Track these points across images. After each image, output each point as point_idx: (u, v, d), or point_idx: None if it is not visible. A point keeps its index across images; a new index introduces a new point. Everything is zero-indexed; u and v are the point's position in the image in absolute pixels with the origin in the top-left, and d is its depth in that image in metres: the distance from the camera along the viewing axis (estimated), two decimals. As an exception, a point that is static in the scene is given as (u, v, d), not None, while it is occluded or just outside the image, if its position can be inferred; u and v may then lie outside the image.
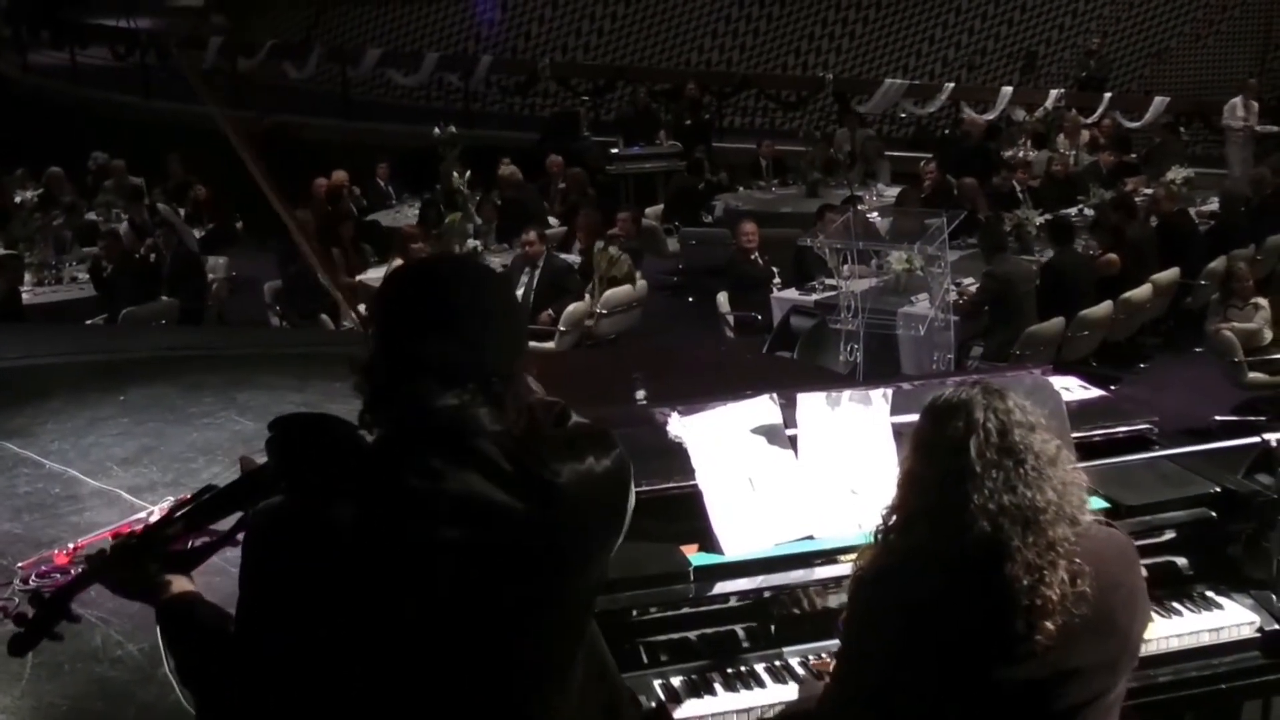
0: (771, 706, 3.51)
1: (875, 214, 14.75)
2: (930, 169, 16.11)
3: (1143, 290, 11.87)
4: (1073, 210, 14.98)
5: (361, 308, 9.98)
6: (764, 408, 3.98)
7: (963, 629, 2.90)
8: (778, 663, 3.66)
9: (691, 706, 3.49)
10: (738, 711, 3.50)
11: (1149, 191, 14.93)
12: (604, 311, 12.09)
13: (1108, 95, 21.80)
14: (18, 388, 7.48)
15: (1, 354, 8.38)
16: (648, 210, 16.72)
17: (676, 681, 3.57)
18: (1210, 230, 14.13)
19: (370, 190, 17.30)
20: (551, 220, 15.55)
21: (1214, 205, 15.30)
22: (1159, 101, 21.26)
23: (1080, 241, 12.85)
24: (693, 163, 18.02)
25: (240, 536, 2.53)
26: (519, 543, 2.41)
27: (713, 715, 3.48)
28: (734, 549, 3.77)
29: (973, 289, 11.39)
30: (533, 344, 10.74)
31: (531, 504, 2.41)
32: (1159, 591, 3.83)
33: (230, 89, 23.98)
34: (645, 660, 3.61)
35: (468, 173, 14.08)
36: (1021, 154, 18.47)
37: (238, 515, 2.68)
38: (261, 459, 2.64)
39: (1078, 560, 2.89)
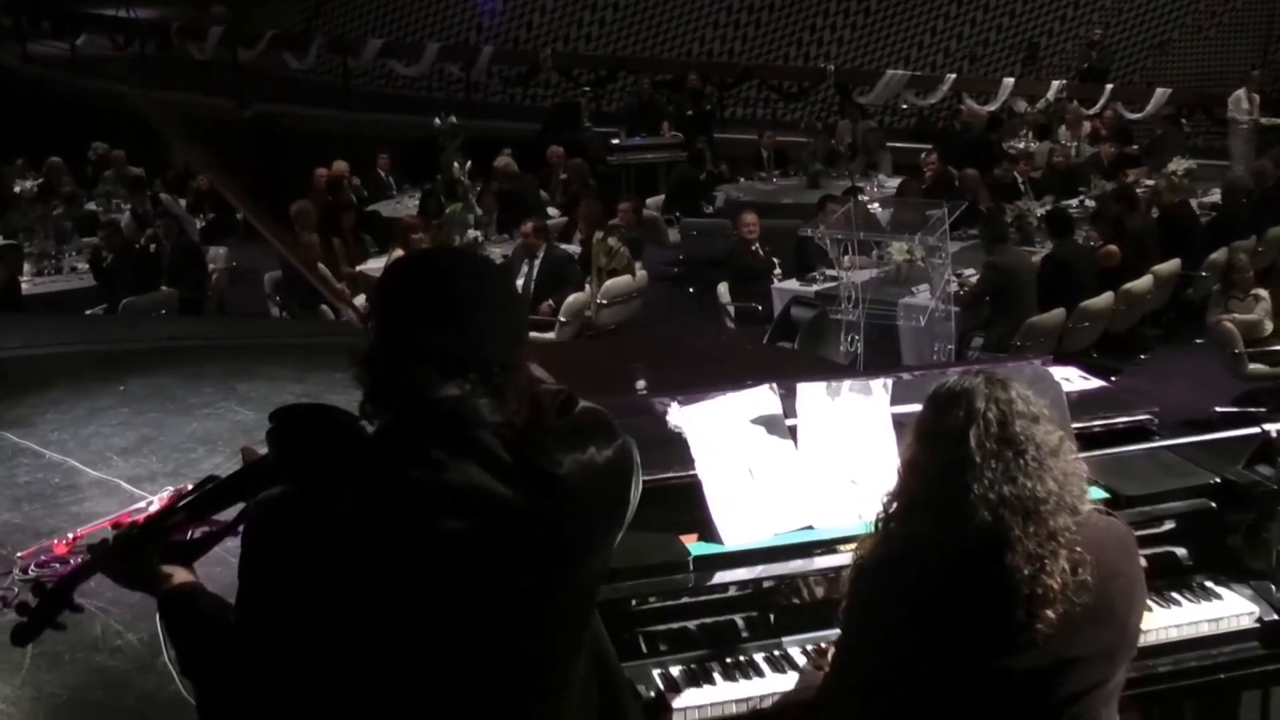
0: (770, 696, 3.51)
1: (876, 205, 14.67)
2: (931, 160, 16.11)
3: (1143, 281, 11.86)
4: (1074, 202, 14.98)
5: (360, 299, 9.99)
6: (764, 398, 3.98)
7: (964, 618, 2.90)
8: (777, 652, 3.66)
9: (691, 696, 3.48)
10: (736, 701, 3.50)
11: (1150, 183, 14.92)
12: (604, 302, 12.08)
13: (1109, 87, 21.80)
14: (17, 378, 7.49)
15: (1, 344, 8.38)
16: (649, 201, 16.72)
17: (676, 671, 3.57)
18: (1211, 222, 14.11)
19: (371, 181, 17.27)
20: (552, 211, 15.55)
21: (1215, 197, 15.29)
22: (1161, 93, 21.24)
23: (1081, 233, 12.85)
24: (694, 153, 17.99)
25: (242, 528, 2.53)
26: (520, 534, 2.40)
27: (712, 705, 3.48)
28: (733, 539, 3.77)
29: (973, 280, 11.39)
30: (533, 334, 10.74)
31: (532, 495, 2.40)
32: (1159, 582, 3.84)
33: (231, 80, 24.01)
34: (644, 650, 3.61)
35: (468, 163, 14.07)
36: (1023, 145, 18.46)
37: (240, 506, 2.68)
38: (263, 450, 2.64)
39: (1079, 549, 2.89)
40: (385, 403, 2.47)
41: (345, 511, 2.35)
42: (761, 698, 3.51)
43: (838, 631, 3.50)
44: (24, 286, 12.61)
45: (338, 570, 2.34)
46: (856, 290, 10.32)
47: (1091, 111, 20.05)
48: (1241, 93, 19.02)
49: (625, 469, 2.62)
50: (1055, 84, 21.86)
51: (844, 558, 3.66)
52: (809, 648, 3.67)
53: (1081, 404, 4.32)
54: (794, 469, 3.92)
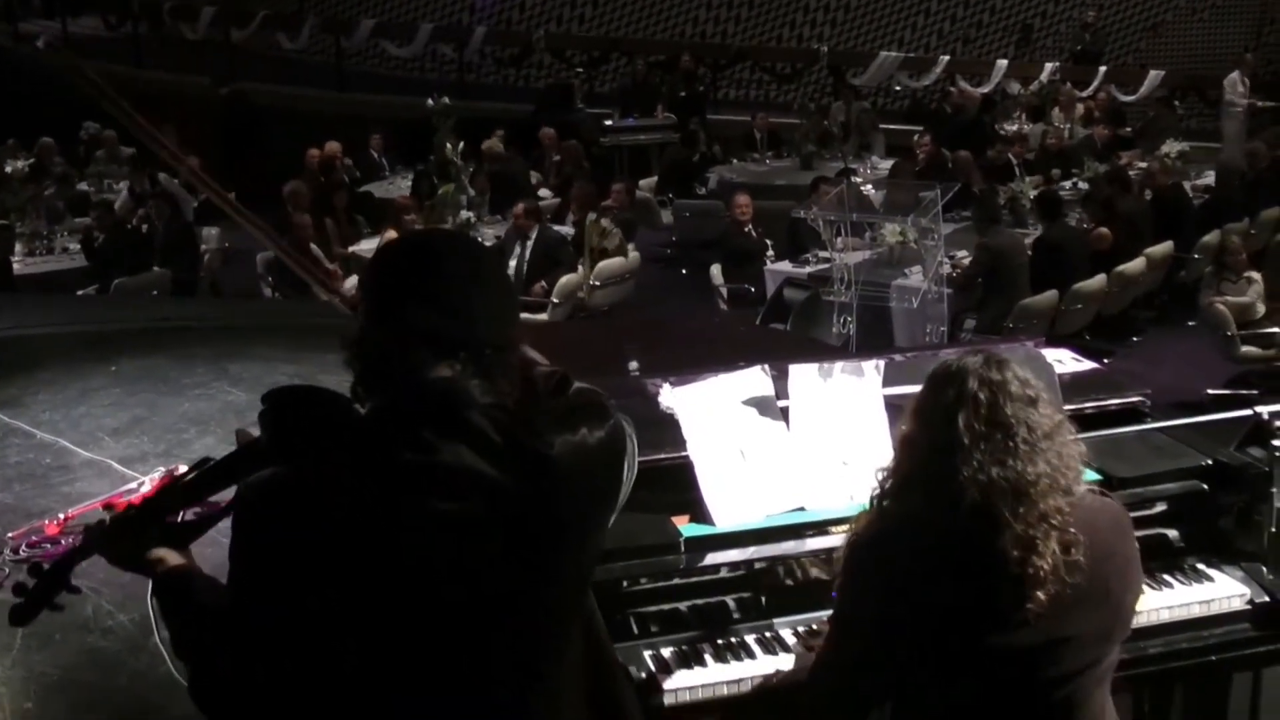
0: (762, 678, 3.51)
1: (869, 186, 14.72)
2: (925, 142, 16.09)
3: (1136, 264, 11.87)
4: (1066, 184, 14.97)
5: (351, 281, 9.96)
6: (756, 379, 3.98)
7: (956, 596, 2.90)
8: (768, 634, 3.66)
9: (682, 677, 3.49)
10: (728, 682, 3.51)
11: (1143, 165, 14.94)
12: (597, 283, 12.08)
13: (1103, 69, 21.77)
14: (8, 358, 7.47)
15: (-7, 325, 8.38)
16: (641, 182, 16.72)
17: (667, 652, 3.57)
18: (1204, 204, 14.13)
19: (363, 162, 17.25)
20: (545, 192, 15.53)
21: (1209, 179, 15.29)
22: (1154, 75, 21.22)
23: (1074, 215, 12.86)
24: (687, 135, 17.98)
25: None
26: (511, 515, 2.40)
27: (703, 686, 3.49)
28: (725, 520, 3.77)
29: (966, 262, 11.39)
30: (526, 316, 10.75)
31: (523, 476, 2.40)
32: (1150, 564, 3.83)
33: (224, 60, 23.92)
34: (636, 631, 3.62)
35: (461, 144, 14.04)
36: (1016, 127, 18.45)
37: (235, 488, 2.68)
38: (257, 432, 2.63)
39: (1071, 530, 2.89)
40: (376, 384, 2.47)
41: (336, 493, 2.35)
42: (753, 679, 3.51)
43: (829, 613, 3.51)
44: (16, 267, 12.57)
45: (328, 552, 2.34)
46: (849, 272, 10.32)
47: (1085, 94, 20.02)
48: (1236, 75, 18.99)
49: (618, 450, 2.62)
50: (1048, 66, 21.83)
51: (835, 539, 3.67)
52: (800, 629, 3.68)
53: (1074, 386, 4.32)
54: (786, 450, 3.92)
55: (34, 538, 5.06)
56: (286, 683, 2.40)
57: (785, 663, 3.53)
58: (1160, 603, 3.82)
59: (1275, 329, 10.36)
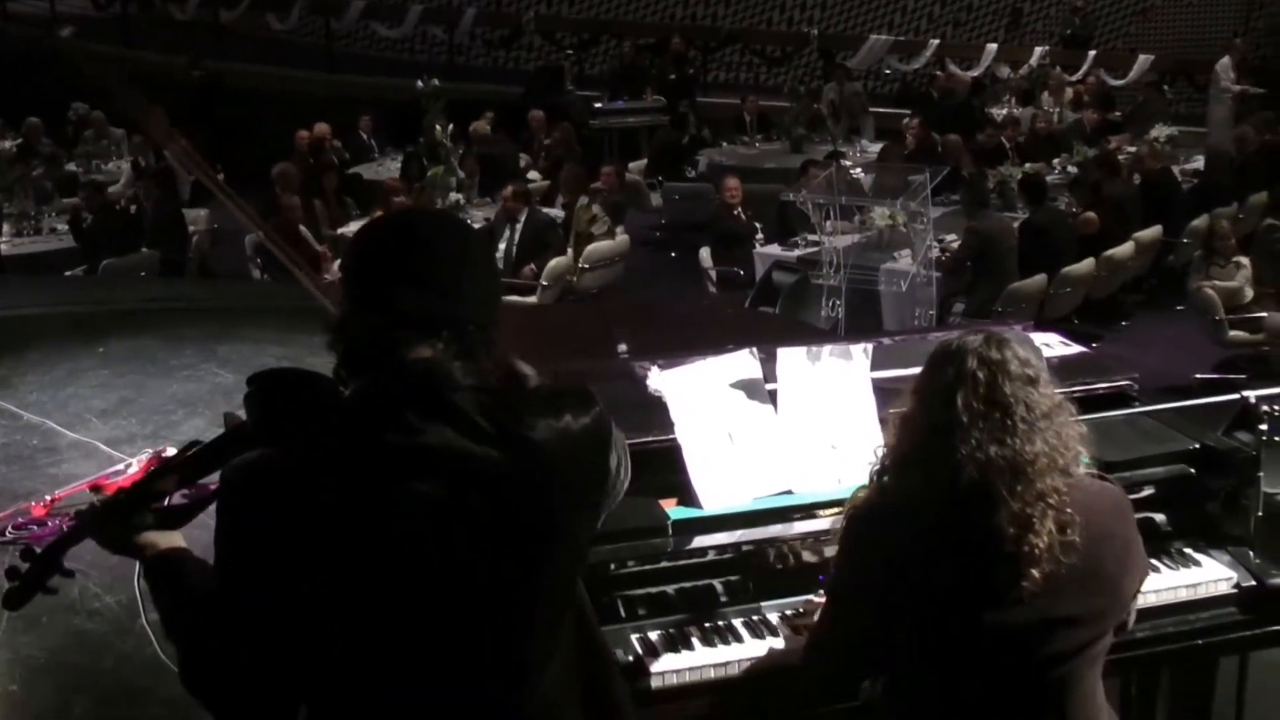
0: (749, 661, 3.51)
1: (859, 170, 14.71)
2: (914, 125, 16.09)
3: (1125, 248, 11.88)
4: (1055, 168, 14.98)
5: (337, 264, 9.94)
6: (744, 362, 3.97)
7: (952, 572, 2.91)
8: (755, 617, 3.66)
9: (669, 661, 3.48)
10: (715, 666, 3.50)
11: (1133, 149, 14.94)
12: (586, 266, 12.07)
13: (1092, 53, 21.77)
14: (-4, 339, 7.45)
15: (-20, 305, 8.36)
16: (631, 165, 16.71)
17: (654, 636, 3.56)
18: (1193, 188, 14.14)
19: (352, 143, 17.21)
20: (535, 175, 15.50)
21: (1197, 163, 15.30)
22: (1143, 59, 21.22)
23: (1062, 200, 12.86)
24: (676, 118, 17.97)
25: None
26: (497, 498, 2.39)
27: (690, 669, 3.48)
28: (712, 503, 3.77)
29: (955, 245, 11.39)
30: (515, 298, 10.74)
31: (506, 459, 2.39)
32: (1137, 548, 3.85)
33: (211, 40, 23.82)
34: (623, 614, 3.61)
35: (450, 126, 14.01)
36: (1006, 111, 18.45)
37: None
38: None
39: (1068, 510, 2.90)
40: (358, 366, 2.46)
41: (321, 475, 2.34)
42: (740, 663, 3.51)
43: (817, 596, 3.52)
44: (3, 247, 12.56)
45: (313, 534, 2.33)
46: (838, 255, 10.34)
47: (1074, 78, 20.04)
48: (1227, 60, 18.97)
49: (604, 438, 2.60)
50: (1038, 50, 21.83)
51: (823, 522, 3.68)
52: (787, 612, 3.68)
53: (1062, 369, 4.31)
54: (774, 433, 3.91)
55: (20, 519, 5.04)
56: (275, 667, 2.40)
57: (773, 646, 3.53)
58: (1147, 587, 3.81)
59: (1263, 313, 10.38)
